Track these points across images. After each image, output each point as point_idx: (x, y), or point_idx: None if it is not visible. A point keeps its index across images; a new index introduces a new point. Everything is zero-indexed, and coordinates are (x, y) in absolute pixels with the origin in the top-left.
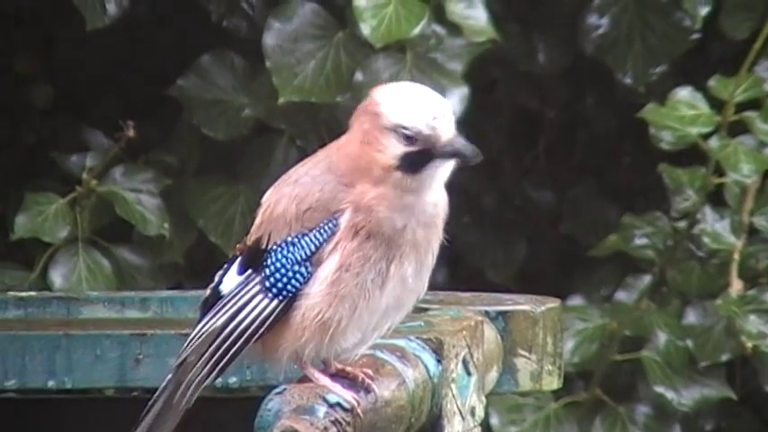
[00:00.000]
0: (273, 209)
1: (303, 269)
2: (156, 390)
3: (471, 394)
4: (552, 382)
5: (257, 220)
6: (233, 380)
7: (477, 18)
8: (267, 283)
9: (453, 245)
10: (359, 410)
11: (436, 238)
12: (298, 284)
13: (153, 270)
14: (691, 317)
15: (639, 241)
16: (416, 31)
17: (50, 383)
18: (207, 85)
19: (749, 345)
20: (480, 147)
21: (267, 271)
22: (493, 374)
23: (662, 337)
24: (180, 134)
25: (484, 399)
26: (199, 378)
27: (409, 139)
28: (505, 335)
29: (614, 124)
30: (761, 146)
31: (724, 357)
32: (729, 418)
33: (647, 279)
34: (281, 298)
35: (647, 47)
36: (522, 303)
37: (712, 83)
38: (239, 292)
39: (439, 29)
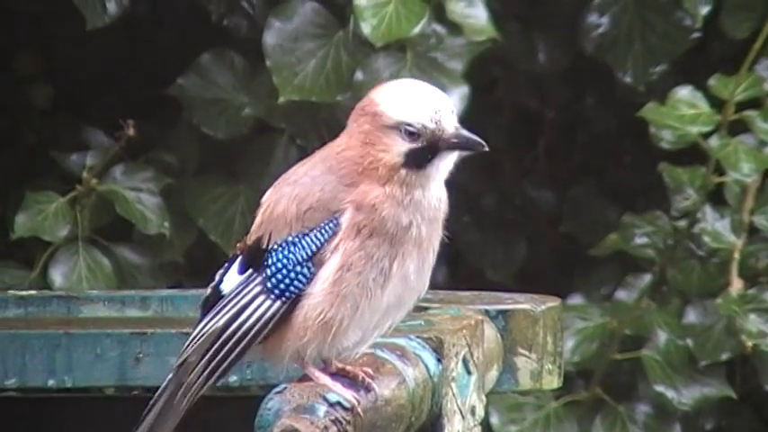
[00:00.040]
0: (273, 209)
1: (306, 270)
2: (156, 389)
3: (471, 393)
4: (552, 381)
5: (257, 220)
6: (233, 379)
7: (477, 17)
8: (269, 284)
9: (453, 244)
10: (359, 409)
11: (438, 234)
12: (301, 285)
13: (153, 269)
14: (691, 316)
15: (640, 240)
16: (417, 30)
17: (51, 382)
18: (207, 84)
19: (749, 344)
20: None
21: (268, 271)
22: (493, 373)
23: (662, 337)
24: (180, 133)
25: (484, 398)
26: (200, 379)
27: (413, 136)
28: (506, 334)
29: (614, 124)
30: (761, 145)
31: (724, 356)
32: (729, 417)
33: (647, 278)
34: (284, 299)
35: (648, 46)
36: (522, 302)
37: (712, 82)
38: (240, 291)
39: (439, 28)
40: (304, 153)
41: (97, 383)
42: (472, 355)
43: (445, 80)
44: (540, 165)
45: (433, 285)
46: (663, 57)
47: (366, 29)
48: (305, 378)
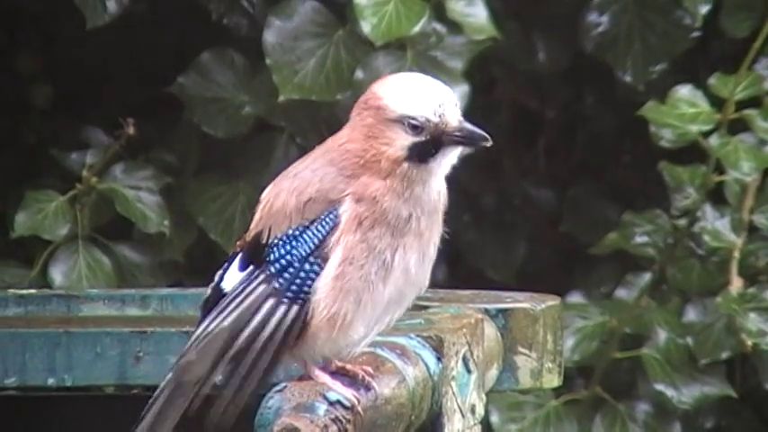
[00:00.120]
0: (273, 203)
1: (316, 267)
2: (156, 387)
3: (471, 392)
4: (552, 380)
5: (257, 216)
6: None
7: (477, 16)
8: (277, 284)
9: (453, 244)
10: (359, 408)
11: (438, 227)
12: (312, 283)
13: (153, 268)
14: (691, 314)
15: (640, 239)
16: (417, 28)
17: (50, 381)
18: (207, 82)
19: (749, 342)
20: (476, 147)
21: (272, 268)
22: (493, 372)
23: (662, 335)
24: (180, 132)
25: (484, 396)
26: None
27: (416, 129)
28: (505, 332)
29: (614, 123)
30: (761, 144)
31: (724, 355)
32: (729, 416)
33: (647, 277)
34: (299, 302)
35: (647, 45)
36: (522, 301)
37: (712, 81)
38: (243, 289)
39: (439, 27)
40: (304, 152)
41: (97, 382)
42: (472, 353)
43: (445, 79)
44: (540, 164)
45: (433, 284)
46: (663, 56)
47: (366, 27)
48: (305, 376)
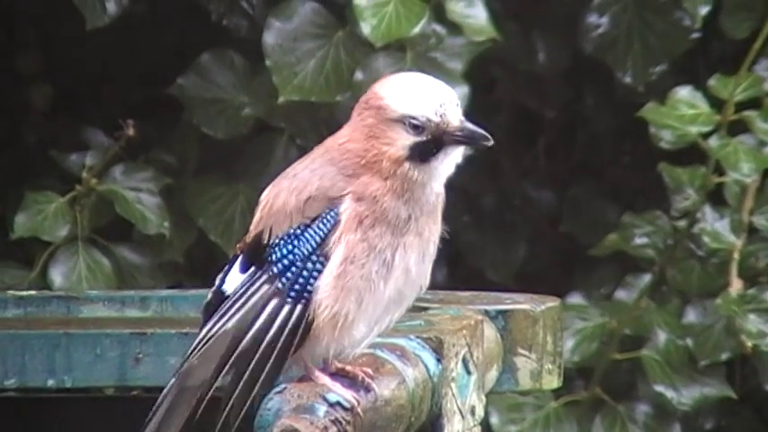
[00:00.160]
0: (273, 203)
1: (318, 265)
2: (155, 389)
3: (471, 393)
4: (552, 381)
5: (257, 217)
6: None
7: (476, 17)
8: (280, 284)
9: (453, 244)
10: (359, 409)
11: (437, 227)
12: (315, 282)
13: (153, 269)
14: (690, 316)
15: (639, 240)
16: (416, 30)
17: (50, 382)
18: (207, 84)
19: (749, 344)
20: (478, 146)
21: (275, 268)
22: (493, 373)
23: (662, 336)
24: (180, 133)
25: (484, 398)
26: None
27: (417, 129)
28: (505, 334)
29: (614, 124)
30: (761, 145)
31: (724, 356)
32: (729, 417)
33: (646, 278)
34: (303, 301)
35: (647, 46)
36: (521, 302)
37: (712, 82)
38: (246, 290)
39: (439, 28)
40: (304, 153)
41: (97, 383)
42: (472, 355)
43: (445, 80)
44: (540, 165)
45: (433, 285)
46: (662, 57)
47: (366, 29)
48: (304, 378)
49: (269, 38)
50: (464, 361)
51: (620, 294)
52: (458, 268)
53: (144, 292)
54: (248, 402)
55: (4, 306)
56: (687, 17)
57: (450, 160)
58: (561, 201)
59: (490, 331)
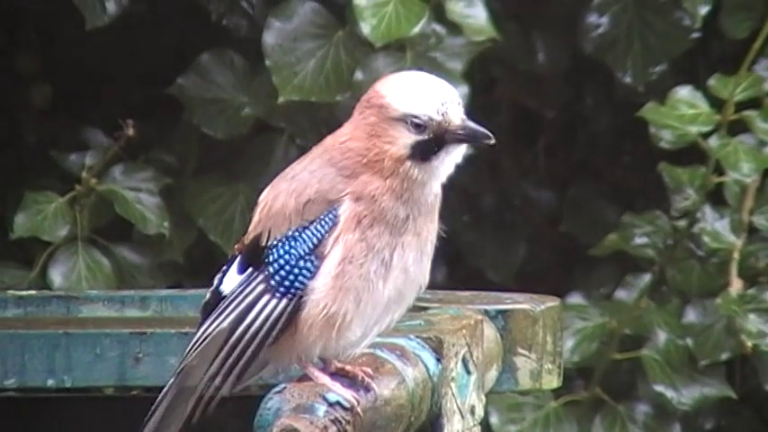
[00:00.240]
0: (272, 205)
1: (309, 264)
2: (155, 389)
3: (471, 393)
4: (552, 381)
5: (255, 218)
6: None
7: (476, 17)
8: (273, 282)
9: (452, 244)
10: (358, 409)
11: (434, 226)
12: (305, 280)
13: (152, 269)
14: (690, 316)
15: (639, 240)
16: (416, 30)
17: (50, 382)
18: (207, 84)
19: (749, 344)
20: (479, 145)
21: (271, 268)
22: (492, 373)
23: (662, 336)
24: (180, 133)
25: (483, 397)
26: (213, 388)
27: (419, 128)
28: (505, 334)
29: (614, 124)
30: (761, 145)
31: (724, 356)
32: (729, 417)
33: (646, 278)
34: (290, 296)
35: (647, 46)
36: (521, 302)
37: (712, 82)
38: (242, 291)
39: (439, 28)
40: (303, 153)
41: (96, 383)
42: (472, 354)
43: (445, 80)
44: (540, 164)
45: (433, 285)
46: (662, 57)
47: (366, 29)
48: (304, 378)
49: (269, 38)
50: (464, 361)
51: (620, 294)
52: (457, 268)
53: (144, 291)
54: (224, 391)
55: (4, 306)
56: (687, 17)
57: (451, 159)
58: (561, 201)
59: (490, 331)
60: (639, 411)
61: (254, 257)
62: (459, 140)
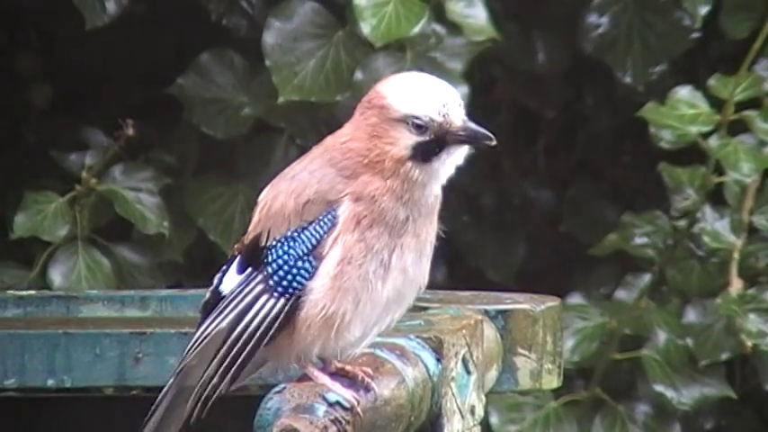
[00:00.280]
0: (271, 205)
1: (307, 264)
2: (155, 389)
3: (471, 393)
4: (552, 381)
5: (255, 218)
6: None
7: (476, 17)
8: (271, 282)
9: (452, 244)
10: (358, 409)
11: (433, 227)
12: (303, 280)
13: (152, 269)
14: (690, 315)
15: (639, 240)
16: (416, 30)
17: (50, 382)
18: (207, 83)
19: (749, 343)
20: (480, 146)
21: (270, 269)
22: (492, 373)
23: (662, 336)
24: (179, 133)
25: (483, 397)
26: (210, 387)
27: (420, 129)
28: (505, 333)
29: (614, 123)
30: (761, 145)
31: (724, 356)
32: (729, 417)
33: (646, 278)
34: (287, 296)
35: (647, 46)
36: (521, 302)
37: (712, 82)
38: (241, 291)
39: (439, 28)
40: (303, 153)
41: (96, 383)
42: (472, 354)
43: (445, 80)
44: (540, 164)
45: (433, 285)
46: (662, 57)
47: (366, 29)
48: (304, 378)
49: (269, 38)
50: (464, 361)
51: (620, 294)
52: (457, 268)
53: (143, 291)
54: (221, 389)
55: (4, 306)
56: (687, 17)
57: (452, 161)
58: (561, 201)
59: (490, 331)
60: (639, 411)
61: (254, 257)
62: (461, 141)
